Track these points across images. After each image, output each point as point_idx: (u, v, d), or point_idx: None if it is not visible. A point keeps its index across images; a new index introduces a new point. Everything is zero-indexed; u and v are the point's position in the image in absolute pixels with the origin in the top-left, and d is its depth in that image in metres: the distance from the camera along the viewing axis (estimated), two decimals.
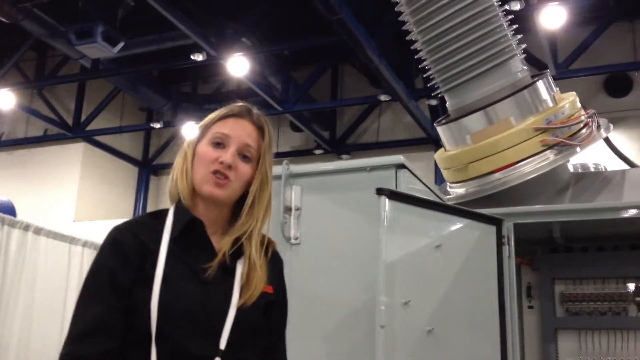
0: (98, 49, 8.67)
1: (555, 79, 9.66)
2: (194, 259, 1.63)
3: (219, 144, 1.70)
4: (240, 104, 1.80)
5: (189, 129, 11.33)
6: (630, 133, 10.06)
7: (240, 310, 1.61)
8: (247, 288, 1.63)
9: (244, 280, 1.64)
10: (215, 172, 1.66)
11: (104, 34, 8.52)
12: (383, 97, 10.09)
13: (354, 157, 11.87)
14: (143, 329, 1.53)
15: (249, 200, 1.70)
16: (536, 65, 9.10)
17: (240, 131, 1.72)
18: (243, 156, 1.71)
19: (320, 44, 10.01)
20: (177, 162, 1.73)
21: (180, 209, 1.69)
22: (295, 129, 11.75)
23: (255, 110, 1.80)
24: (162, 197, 13.23)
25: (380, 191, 2.53)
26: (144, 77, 10.83)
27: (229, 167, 1.67)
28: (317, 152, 11.89)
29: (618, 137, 9.95)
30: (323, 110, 11.76)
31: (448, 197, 3.63)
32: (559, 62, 9.27)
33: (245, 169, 1.71)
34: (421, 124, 10.25)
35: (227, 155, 1.67)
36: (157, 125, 11.45)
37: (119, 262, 1.59)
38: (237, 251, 1.66)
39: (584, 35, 9.43)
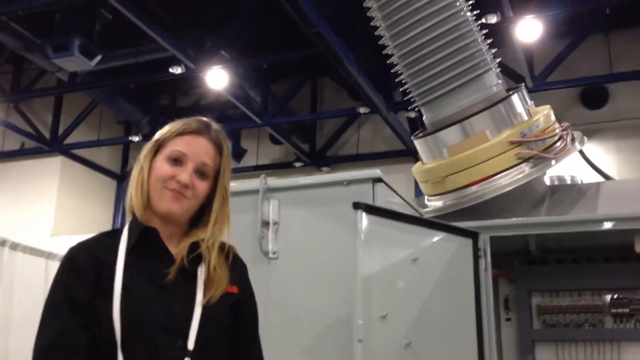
0: (75, 62, 8.61)
1: (532, 91, 9.82)
2: (151, 266, 1.66)
3: (176, 160, 1.71)
4: (199, 119, 1.79)
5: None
6: (606, 144, 10.20)
7: (205, 309, 1.64)
8: (210, 287, 1.67)
9: (206, 280, 1.67)
10: (172, 190, 1.68)
11: (81, 47, 8.46)
12: (362, 110, 10.14)
13: (333, 169, 11.88)
14: (108, 338, 1.56)
15: (212, 217, 1.73)
16: (513, 77, 9.21)
17: (198, 149, 1.72)
18: (200, 173, 1.72)
19: (299, 57, 10.04)
20: (133, 175, 1.74)
21: (134, 222, 1.71)
22: (275, 141, 11.74)
23: (214, 126, 1.79)
24: None
25: (357, 205, 2.53)
26: (122, 90, 10.77)
27: (186, 186, 1.68)
28: (297, 164, 11.89)
29: (594, 149, 10.10)
30: (302, 123, 11.77)
31: (426, 210, 3.65)
32: (535, 74, 9.40)
33: (202, 186, 1.72)
34: (400, 136, 10.30)
35: (185, 174, 1.68)
36: (136, 139, 11.36)
37: (74, 279, 1.62)
38: (197, 258, 1.69)
39: (560, 48, 9.56)
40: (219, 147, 1.77)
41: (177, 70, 9.11)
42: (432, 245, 2.80)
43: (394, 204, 3.06)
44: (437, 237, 2.82)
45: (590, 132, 10.28)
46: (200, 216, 1.75)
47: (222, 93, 9.78)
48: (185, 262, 1.67)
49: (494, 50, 3.70)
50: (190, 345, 1.60)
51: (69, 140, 11.66)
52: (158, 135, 1.77)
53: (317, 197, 3.03)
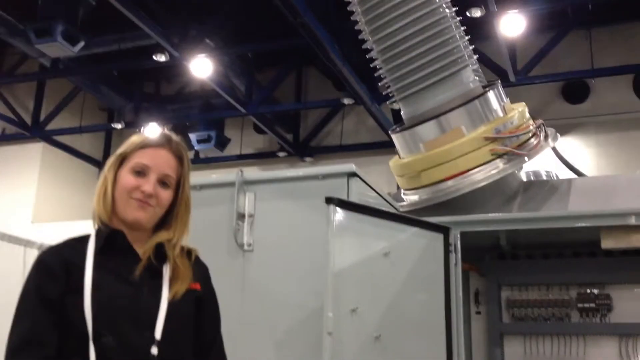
0: (58, 48, 8.53)
1: (514, 85, 9.88)
2: (119, 265, 1.80)
3: (139, 172, 1.85)
4: (161, 132, 1.95)
5: (151, 130, 11.24)
6: (586, 139, 10.32)
7: (171, 303, 1.78)
8: (175, 283, 1.81)
9: (171, 277, 1.82)
10: (138, 200, 1.82)
11: (64, 32, 8.38)
12: (346, 101, 10.16)
13: (317, 160, 11.91)
14: (80, 333, 1.67)
15: (177, 222, 1.89)
16: (496, 71, 9.27)
17: (160, 161, 1.87)
18: (162, 183, 1.87)
19: (284, 46, 10.03)
20: (98, 187, 1.88)
21: (100, 228, 1.85)
22: (259, 131, 11.74)
23: (174, 139, 1.94)
24: None
25: (329, 200, 2.57)
26: (105, 76, 10.70)
27: (150, 195, 1.83)
28: (281, 154, 11.89)
29: (575, 143, 10.22)
30: (287, 113, 11.77)
31: (402, 203, 3.70)
32: (518, 68, 9.46)
33: (165, 195, 1.87)
34: (384, 128, 10.32)
35: (148, 185, 1.83)
36: (119, 126, 11.31)
37: (45, 278, 1.75)
38: (162, 257, 1.84)
39: (543, 43, 9.63)
40: (179, 158, 1.92)
41: (161, 58, 9.08)
42: (403, 240, 2.85)
43: (369, 198, 3.10)
44: (409, 231, 2.87)
45: (571, 127, 10.42)
46: (163, 221, 1.90)
47: (206, 81, 9.76)
48: (152, 260, 1.81)
49: (471, 47, 3.74)
50: (158, 335, 1.72)
51: (51, 126, 11.57)
52: (122, 148, 1.91)
53: (292, 191, 3.07)
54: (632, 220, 2.87)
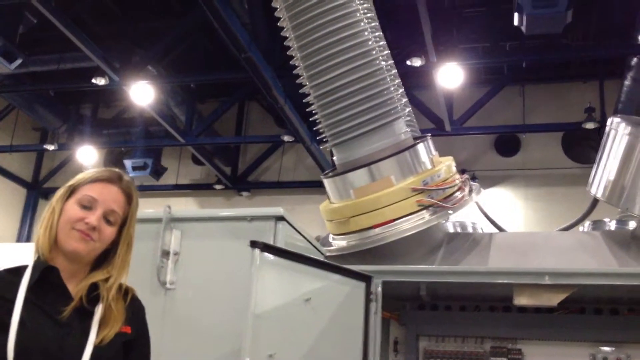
0: None
1: (449, 134, 10.14)
2: (50, 304, 1.76)
3: (86, 205, 1.84)
4: (111, 169, 1.96)
5: (85, 153, 11.00)
6: (516, 191, 10.69)
7: (97, 348, 1.75)
8: (104, 327, 1.78)
9: (102, 319, 1.79)
10: (80, 231, 1.80)
11: (2, 48, 8.20)
12: (287, 138, 10.24)
13: (253, 194, 11.90)
14: None
15: (117, 262, 1.87)
16: (433, 120, 9.56)
17: (108, 196, 1.87)
18: (107, 220, 1.86)
19: (228, 79, 10.06)
20: (44, 216, 1.85)
21: (38, 261, 1.81)
22: (197, 162, 11.66)
23: (125, 177, 1.95)
24: None
25: (254, 244, 2.58)
26: (41, 96, 10.46)
27: (93, 228, 1.81)
28: (217, 187, 11.83)
29: (505, 194, 10.58)
30: (226, 146, 11.75)
31: (329, 248, 3.73)
32: (454, 118, 9.77)
33: (108, 231, 1.86)
34: (322, 167, 10.43)
35: (93, 218, 1.82)
36: (51, 147, 11.02)
37: None
38: (96, 297, 1.81)
39: (479, 95, 10.01)
40: (128, 197, 1.92)
41: (100, 81, 8.96)
42: (326, 287, 2.87)
43: (296, 241, 3.12)
44: (331, 278, 2.90)
45: (502, 178, 10.80)
46: (103, 258, 1.88)
47: (145, 108, 9.66)
48: (83, 301, 1.78)
49: (407, 98, 3.86)
50: None
51: None
52: (72, 181, 1.90)
53: (220, 231, 3.06)
54: (546, 280, 2.98)
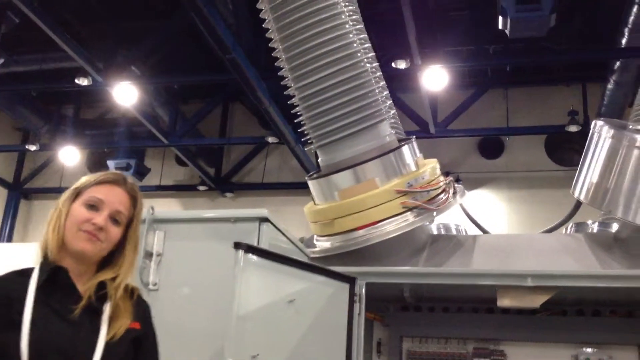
0: None
1: (433, 137, 10.15)
2: (59, 302, 1.81)
3: (92, 206, 1.90)
4: (116, 172, 2.03)
5: (67, 154, 10.90)
6: (499, 194, 10.75)
7: (108, 344, 1.80)
8: (114, 324, 1.84)
9: (111, 317, 1.85)
10: (87, 232, 1.86)
11: None
12: (271, 139, 10.22)
13: (237, 196, 11.85)
14: None
15: (123, 262, 1.93)
16: (417, 122, 9.58)
17: (114, 197, 1.94)
18: (114, 220, 1.92)
19: (212, 80, 10.02)
20: (51, 218, 1.91)
21: (45, 261, 1.87)
22: (180, 163, 11.60)
23: (129, 180, 2.03)
24: (32, 222, 12.53)
25: (237, 245, 2.57)
26: (23, 96, 10.35)
27: (100, 229, 1.87)
28: (201, 188, 11.77)
29: (488, 196, 10.63)
30: (210, 147, 11.70)
31: (313, 250, 3.73)
32: (438, 120, 9.80)
33: (115, 232, 1.92)
34: (307, 169, 10.42)
35: (100, 218, 1.88)
36: (33, 148, 10.90)
37: None
38: (103, 296, 1.87)
39: (463, 98, 10.05)
40: (133, 199, 1.99)
41: (83, 81, 8.87)
42: (310, 288, 2.87)
43: (280, 243, 3.12)
44: (315, 280, 2.90)
45: (486, 181, 10.85)
46: (109, 258, 1.93)
47: (129, 109, 9.59)
48: (92, 300, 1.84)
49: (392, 100, 3.86)
50: None
51: None
52: (78, 183, 1.97)
53: (203, 232, 3.05)
54: (529, 282, 3.00)
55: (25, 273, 1.85)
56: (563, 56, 9.14)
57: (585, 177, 3.57)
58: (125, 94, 8.97)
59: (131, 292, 1.96)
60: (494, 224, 9.05)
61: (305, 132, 3.83)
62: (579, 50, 9.01)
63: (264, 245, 2.85)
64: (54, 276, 1.83)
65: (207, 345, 2.75)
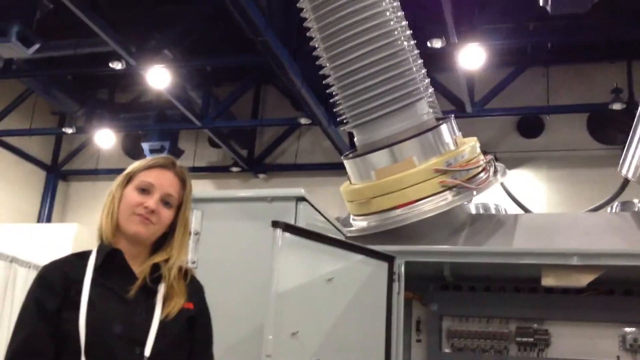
0: (11, 49, 8.37)
1: (470, 116, 10.00)
2: (116, 283, 1.90)
3: (144, 190, 1.98)
4: (165, 156, 2.10)
5: (103, 136, 11.04)
6: (539, 173, 10.55)
7: (163, 323, 1.88)
8: (168, 304, 1.91)
9: (165, 297, 1.92)
10: (140, 215, 1.94)
11: (19, 33, 8.23)
12: (303, 120, 10.19)
13: (270, 177, 11.87)
14: (74, 347, 1.77)
15: (175, 243, 2.00)
16: (454, 102, 9.44)
17: (164, 181, 2.01)
18: (165, 202, 1.99)
19: (244, 62, 10.01)
20: (105, 203, 2.00)
21: (101, 245, 1.96)
22: (214, 145, 11.65)
23: (178, 163, 2.10)
24: (70, 203, 12.76)
25: (275, 224, 2.55)
26: (59, 80, 10.49)
27: (152, 212, 1.94)
28: (234, 169, 11.82)
29: (527, 176, 10.44)
30: (242, 129, 11.72)
31: (350, 229, 3.69)
32: (475, 100, 9.65)
33: (166, 214, 1.99)
34: (339, 149, 10.37)
35: (151, 201, 1.96)
36: (69, 131, 11.07)
37: (45, 292, 1.86)
38: (158, 277, 1.94)
39: (501, 77, 9.86)
40: (183, 182, 2.07)
41: (117, 65, 8.96)
42: (348, 267, 2.84)
43: (317, 222, 3.08)
44: (353, 258, 2.86)
45: (525, 160, 10.65)
46: (162, 241, 2.01)
47: (162, 92, 9.65)
48: (147, 280, 1.92)
49: (429, 78, 3.78)
50: (147, 352, 1.83)
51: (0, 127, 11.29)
52: (129, 168, 2.05)
53: (240, 211, 3.04)
54: (574, 261, 2.92)
55: (84, 256, 1.94)
56: (607, 33, 8.85)
57: (633, 155, 3.45)
58: (158, 78, 9.04)
59: (185, 273, 2.02)
60: (533, 204, 8.88)
61: (341, 111, 3.77)
62: (623, 27, 8.72)
63: (301, 224, 2.82)
64: (111, 258, 1.92)
65: (245, 322, 2.75)
